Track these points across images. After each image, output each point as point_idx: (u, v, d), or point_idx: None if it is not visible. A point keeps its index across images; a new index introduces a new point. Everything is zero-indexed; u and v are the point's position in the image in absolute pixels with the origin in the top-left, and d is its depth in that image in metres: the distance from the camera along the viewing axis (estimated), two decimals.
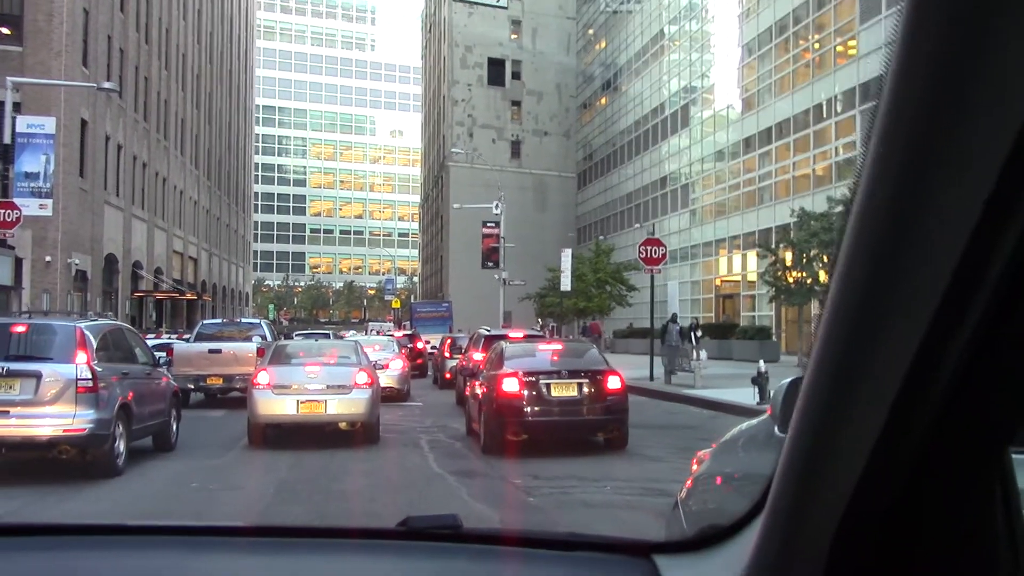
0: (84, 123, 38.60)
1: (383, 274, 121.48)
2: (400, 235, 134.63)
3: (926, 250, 0.87)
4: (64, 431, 9.96)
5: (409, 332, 44.02)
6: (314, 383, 13.20)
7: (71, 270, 36.99)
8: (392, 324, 75.51)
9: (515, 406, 11.79)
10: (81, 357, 10.24)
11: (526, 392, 11.84)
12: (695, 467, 4.18)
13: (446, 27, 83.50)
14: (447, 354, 26.89)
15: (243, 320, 30.66)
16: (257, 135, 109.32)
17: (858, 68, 35.48)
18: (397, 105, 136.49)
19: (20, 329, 10.62)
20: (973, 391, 0.98)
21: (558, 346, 14.78)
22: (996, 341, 0.93)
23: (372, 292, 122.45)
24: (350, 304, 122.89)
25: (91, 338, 10.60)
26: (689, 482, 3.79)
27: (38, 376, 10.09)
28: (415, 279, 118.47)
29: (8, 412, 9.89)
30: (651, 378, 23.82)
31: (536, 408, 11.83)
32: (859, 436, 1.03)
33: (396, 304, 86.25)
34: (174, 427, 13.11)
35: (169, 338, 29.29)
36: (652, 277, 24.85)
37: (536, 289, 54.44)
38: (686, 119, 54.85)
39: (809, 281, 28.78)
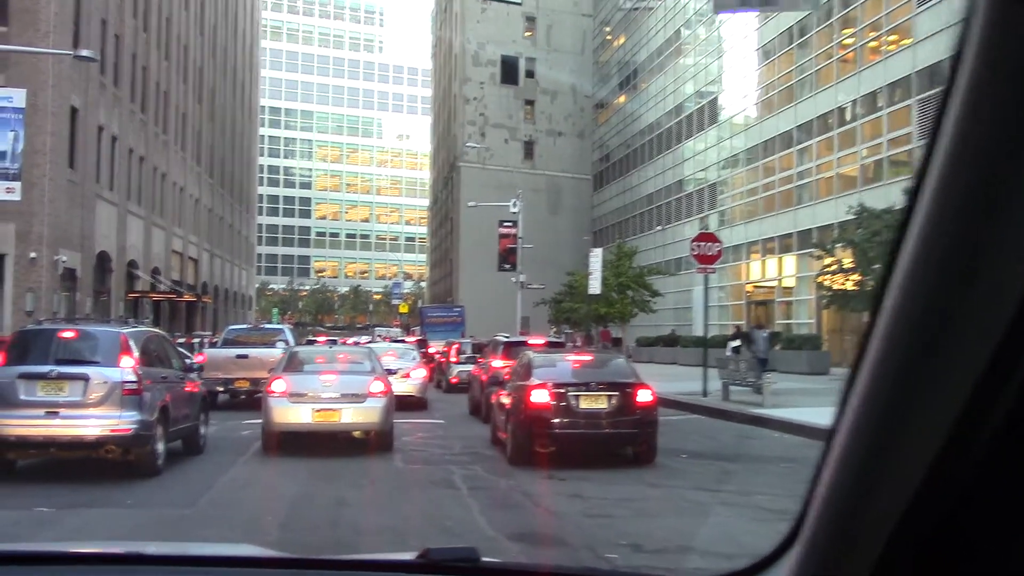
0: (74, 111, 35.85)
1: (389, 279, 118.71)
2: (407, 239, 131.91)
3: (1003, 255, 0.83)
4: (111, 431, 10.32)
5: (420, 338, 42.37)
6: (329, 391, 13.13)
7: (58, 268, 34.16)
8: (399, 330, 72.75)
9: (543, 418, 11.63)
10: (126, 361, 10.64)
11: (554, 404, 11.67)
12: None
13: (458, 23, 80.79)
14: (455, 359, 28.10)
15: (267, 325, 31.44)
16: (263, 136, 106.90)
17: (913, 55, 32.58)
18: (405, 108, 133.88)
19: (68, 334, 11.09)
20: None
21: (587, 357, 14.49)
22: None
23: (378, 297, 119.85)
24: (355, 309, 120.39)
25: (134, 344, 10.98)
26: None
27: (86, 379, 10.45)
28: (422, 284, 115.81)
29: (57, 413, 10.28)
30: (704, 393, 20.87)
31: (565, 420, 11.64)
32: (912, 462, 0.98)
33: (404, 309, 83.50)
34: (202, 430, 13.41)
35: None
36: (706, 278, 21.92)
37: (552, 294, 51.75)
38: (713, 115, 51.93)
39: (871, 285, 25.85)
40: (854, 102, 36.90)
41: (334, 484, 10.18)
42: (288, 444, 12.92)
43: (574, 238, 71.74)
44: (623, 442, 12.15)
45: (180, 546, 2.96)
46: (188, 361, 13.93)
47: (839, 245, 28.00)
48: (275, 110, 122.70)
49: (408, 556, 1.86)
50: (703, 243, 21.20)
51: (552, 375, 12.38)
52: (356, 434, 13.26)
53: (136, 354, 10.84)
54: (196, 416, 13.06)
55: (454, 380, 26.17)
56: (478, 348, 28.55)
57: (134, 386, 10.50)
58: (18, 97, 20.96)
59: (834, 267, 27.35)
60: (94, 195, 38.31)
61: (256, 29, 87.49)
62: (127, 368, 10.55)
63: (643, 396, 11.93)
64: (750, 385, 18.77)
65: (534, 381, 12.13)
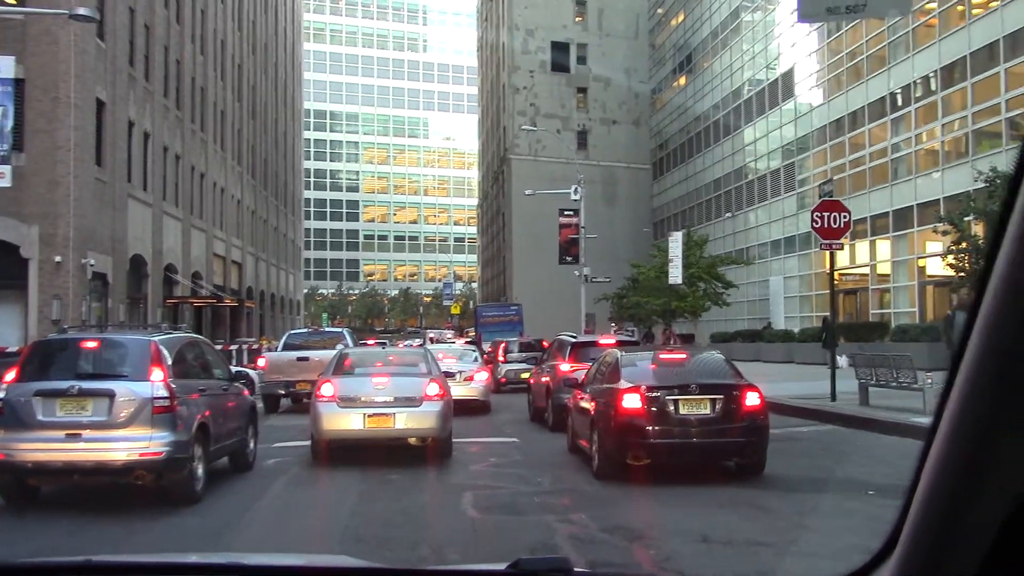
0: (101, 104, 33.15)
1: (439, 280, 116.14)
2: (456, 240, 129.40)
3: None
4: (140, 455, 9.24)
5: (469, 340, 39.72)
6: (382, 395, 12.22)
7: (87, 272, 31.45)
8: (451, 332, 69.74)
9: (637, 426, 10.44)
10: (157, 374, 9.54)
11: (649, 409, 10.42)
12: None
13: (505, 10, 77.55)
14: (502, 358, 28.01)
15: (327, 329, 31.60)
16: (308, 140, 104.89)
17: None
18: (451, 107, 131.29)
19: (91, 344, 9.96)
20: None
21: (680, 356, 12.85)
22: None
23: (428, 299, 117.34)
24: (406, 312, 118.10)
25: (166, 353, 9.89)
26: None
27: (111, 395, 9.36)
28: (473, 284, 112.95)
29: (80, 435, 9.16)
30: (832, 397, 17.22)
31: (661, 428, 10.39)
32: (1016, 465, 0.94)
33: (456, 310, 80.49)
34: (251, 445, 12.23)
35: None
36: (832, 257, 18.15)
37: (614, 289, 48.24)
38: (788, 89, 47.92)
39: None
40: (962, 60, 32.75)
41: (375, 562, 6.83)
42: (333, 466, 11.71)
43: (632, 230, 68.28)
44: (729, 452, 10.80)
45: (244, 556, 2.37)
46: (237, 369, 12.75)
47: (968, 218, 24.09)
48: (320, 113, 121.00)
49: (498, 567, 1.81)
50: (827, 213, 17.35)
51: (644, 376, 11.03)
52: (412, 441, 12.36)
53: (168, 365, 9.70)
54: (244, 430, 11.85)
55: (503, 380, 26.36)
56: (526, 347, 28.62)
57: (166, 403, 9.36)
58: (6, 66, 17.94)
59: (965, 244, 23.41)
60: (126, 195, 35.65)
61: (298, 29, 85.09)
62: (158, 382, 9.41)
63: (751, 399, 10.59)
64: (905, 386, 15.09)
65: (624, 384, 10.80)
